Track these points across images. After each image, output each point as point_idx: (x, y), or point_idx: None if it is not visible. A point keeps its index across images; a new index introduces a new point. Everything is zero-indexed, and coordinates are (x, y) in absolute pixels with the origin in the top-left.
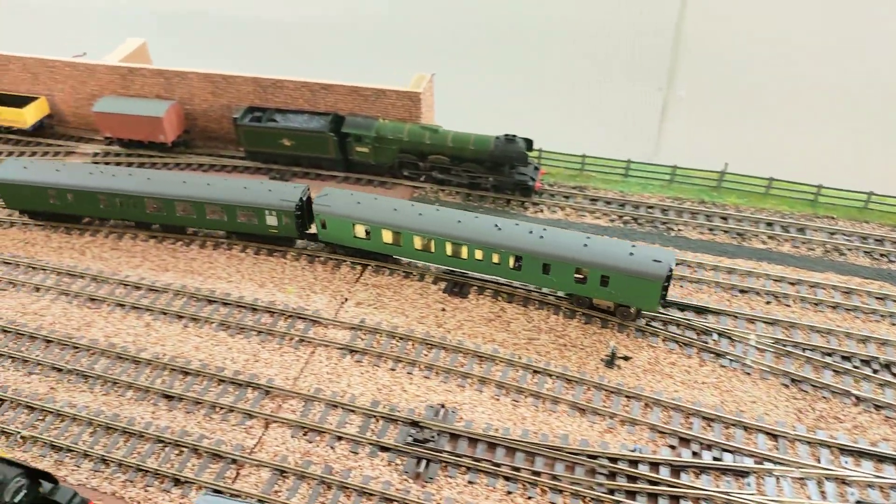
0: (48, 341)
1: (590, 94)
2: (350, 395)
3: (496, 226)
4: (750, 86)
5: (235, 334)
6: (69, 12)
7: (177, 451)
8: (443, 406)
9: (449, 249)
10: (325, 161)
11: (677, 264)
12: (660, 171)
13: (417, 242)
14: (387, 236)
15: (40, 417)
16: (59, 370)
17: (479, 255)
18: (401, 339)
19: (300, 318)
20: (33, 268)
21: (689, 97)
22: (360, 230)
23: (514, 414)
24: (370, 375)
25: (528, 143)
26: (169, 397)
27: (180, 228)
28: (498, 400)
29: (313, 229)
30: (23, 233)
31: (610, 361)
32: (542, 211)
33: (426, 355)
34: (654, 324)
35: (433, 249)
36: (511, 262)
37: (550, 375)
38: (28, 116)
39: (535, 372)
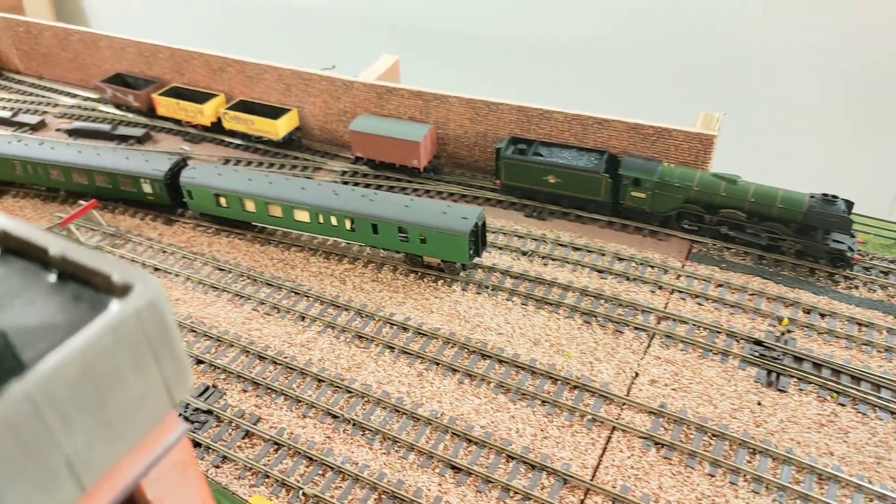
0: (319, 380)
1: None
2: (665, 501)
3: (334, 192)
4: None
5: (517, 400)
6: (316, 23)
7: None
8: None
9: (296, 215)
10: (592, 203)
11: None
12: None
13: (270, 210)
14: (245, 205)
15: (320, 472)
16: (335, 417)
17: (320, 218)
18: (714, 435)
19: (587, 390)
20: (296, 293)
21: None
22: (220, 200)
23: None
24: (684, 478)
25: (849, 205)
26: (456, 468)
27: (80, 195)
28: None
29: None
30: (281, 252)
31: None
32: (856, 287)
33: (749, 462)
34: None
35: (282, 215)
36: (347, 224)
37: None
38: (281, 128)
39: None
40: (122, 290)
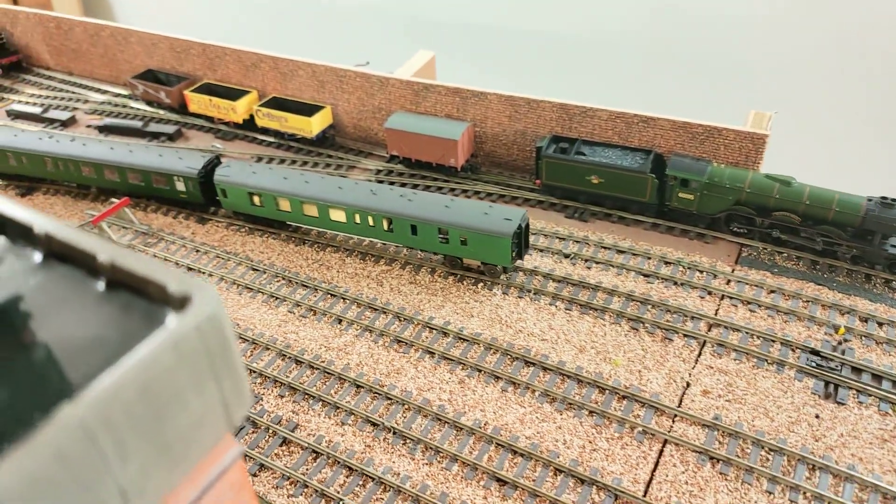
0: (358, 386)
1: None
2: None
3: (372, 191)
4: None
5: (563, 410)
6: (348, 18)
7: None
8: None
9: (332, 214)
10: (636, 204)
11: None
12: None
13: (305, 209)
14: (280, 204)
15: (361, 482)
16: (375, 425)
17: (357, 218)
18: (772, 450)
19: (637, 400)
20: (332, 294)
21: None
22: (255, 198)
23: None
24: (741, 495)
25: None
26: (501, 481)
27: (112, 192)
28: None
29: None
30: (316, 252)
31: None
32: None
33: (810, 480)
34: None
35: (318, 215)
36: (384, 224)
37: None
38: (315, 126)
39: None
40: (180, 302)
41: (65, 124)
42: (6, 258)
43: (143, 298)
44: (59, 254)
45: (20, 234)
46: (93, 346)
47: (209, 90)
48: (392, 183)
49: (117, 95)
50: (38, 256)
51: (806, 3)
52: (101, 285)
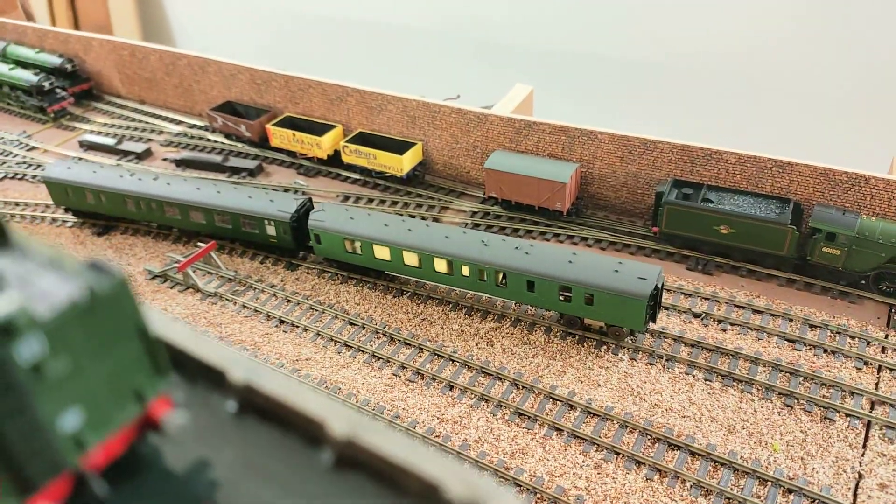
0: (481, 467)
1: None
2: None
3: (483, 242)
4: None
5: None
6: (434, 50)
7: None
8: None
9: (437, 265)
10: (770, 257)
11: None
12: None
13: (407, 258)
14: (378, 252)
15: None
16: None
17: (465, 271)
18: None
19: (805, 495)
20: (439, 355)
21: None
22: (351, 245)
23: None
24: None
25: None
26: None
27: (195, 233)
28: None
29: None
30: (416, 306)
31: None
32: None
33: None
34: None
35: (421, 265)
36: (497, 278)
37: None
38: (406, 164)
39: None
40: None
41: (140, 157)
42: (188, 407)
43: (388, 486)
44: (262, 409)
45: (204, 375)
46: None
47: (291, 124)
48: (489, 226)
49: (192, 126)
50: (231, 406)
51: None
52: (326, 459)
